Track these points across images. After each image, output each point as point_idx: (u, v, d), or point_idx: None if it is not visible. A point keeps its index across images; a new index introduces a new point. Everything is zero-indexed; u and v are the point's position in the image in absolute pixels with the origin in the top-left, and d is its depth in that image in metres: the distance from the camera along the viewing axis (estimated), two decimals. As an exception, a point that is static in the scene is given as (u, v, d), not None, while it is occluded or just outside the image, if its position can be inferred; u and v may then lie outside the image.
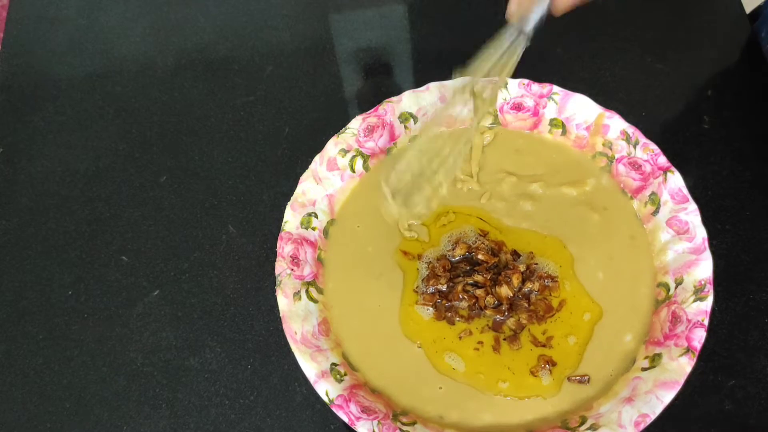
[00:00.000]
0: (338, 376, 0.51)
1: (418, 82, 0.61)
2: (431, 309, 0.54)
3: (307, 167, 0.58)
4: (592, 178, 0.59)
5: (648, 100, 0.67)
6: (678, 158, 0.57)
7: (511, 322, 0.53)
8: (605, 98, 0.59)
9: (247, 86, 0.71)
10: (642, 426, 0.47)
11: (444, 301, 0.54)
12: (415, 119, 0.61)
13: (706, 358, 0.54)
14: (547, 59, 0.69)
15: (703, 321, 0.50)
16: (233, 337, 0.58)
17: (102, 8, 0.77)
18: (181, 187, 0.65)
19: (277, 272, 0.54)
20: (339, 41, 0.73)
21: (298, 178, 0.58)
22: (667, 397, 0.48)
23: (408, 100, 0.60)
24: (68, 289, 0.61)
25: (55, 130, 0.70)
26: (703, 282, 0.51)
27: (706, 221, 0.54)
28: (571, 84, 0.60)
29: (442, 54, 0.72)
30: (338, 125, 0.60)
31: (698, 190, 0.57)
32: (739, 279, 0.58)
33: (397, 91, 0.61)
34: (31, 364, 0.58)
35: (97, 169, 0.67)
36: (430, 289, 0.54)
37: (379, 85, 0.71)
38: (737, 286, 0.57)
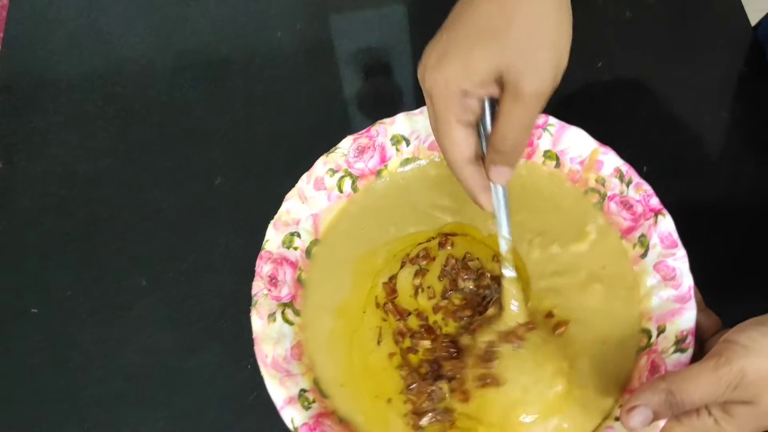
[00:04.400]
0: (306, 403, 0.49)
1: (418, 83, 0.61)
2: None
3: (307, 168, 0.58)
4: (590, 224, 0.56)
5: (647, 101, 0.67)
6: (678, 159, 0.57)
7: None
8: (604, 97, 0.59)
9: (246, 86, 0.71)
10: None
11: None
12: (408, 142, 0.59)
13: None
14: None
15: None
16: (231, 338, 0.58)
17: (102, 8, 0.77)
18: (180, 188, 0.65)
19: (253, 292, 0.53)
20: (339, 42, 0.73)
21: (298, 179, 0.58)
22: None
23: (401, 123, 0.59)
24: (67, 290, 0.61)
25: (54, 130, 0.70)
26: (685, 333, 0.49)
27: (706, 221, 0.54)
28: (569, 84, 0.60)
29: (443, 54, 0.72)
30: (338, 126, 0.60)
31: (698, 191, 0.57)
32: (739, 279, 0.58)
33: (397, 91, 0.61)
34: (29, 365, 0.58)
35: (96, 170, 0.67)
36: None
37: (379, 86, 0.71)
38: (737, 287, 0.57)
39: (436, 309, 0.53)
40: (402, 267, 0.55)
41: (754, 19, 0.73)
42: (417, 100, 0.69)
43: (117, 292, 0.60)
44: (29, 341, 0.59)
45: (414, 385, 0.50)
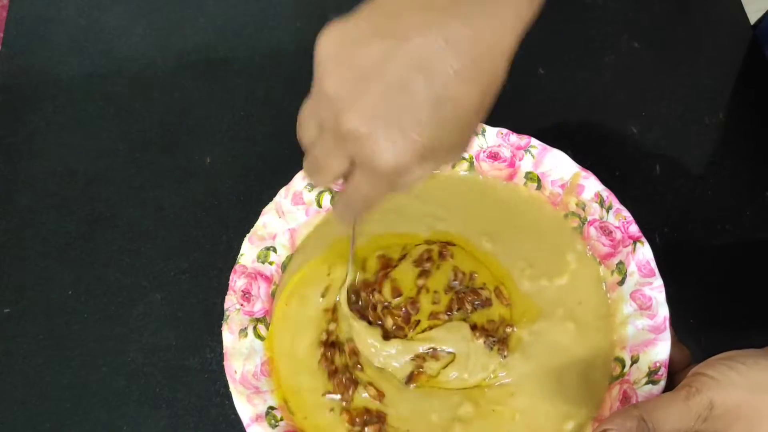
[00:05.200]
0: (273, 421, 0.49)
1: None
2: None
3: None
4: (570, 252, 0.56)
5: (647, 101, 0.67)
6: (677, 159, 0.57)
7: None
8: (603, 97, 0.59)
9: (246, 86, 0.71)
10: None
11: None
12: None
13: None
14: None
15: None
16: (233, 337, 0.58)
17: (102, 8, 0.77)
18: (181, 187, 0.65)
19: (225, 306, 0.53)
20: (339, 41, 0.73)
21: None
22: None
23: None
24: (68, 289, 0.61)
25: (55, 130, 0.70)
26: (658, 364, 0.49)
27: (706, 221, 0.54)
28: (570, 85, 0.60)
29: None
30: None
31: (698, 190, 0.58)
32: (738, 281, 0.58)
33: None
34: (31, 364, 0.58)
35: (96, 169, 0.67)
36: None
37: (379, 85, 0.70)
38: (735, 290, 0.58)
39: (433, 316, 0.52)
40: (403, 258, 0.54)
41: (753, 19, 0.73)
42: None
43: (119, 290, 0.61)
44: (31, 340, 0.59)
45: None
